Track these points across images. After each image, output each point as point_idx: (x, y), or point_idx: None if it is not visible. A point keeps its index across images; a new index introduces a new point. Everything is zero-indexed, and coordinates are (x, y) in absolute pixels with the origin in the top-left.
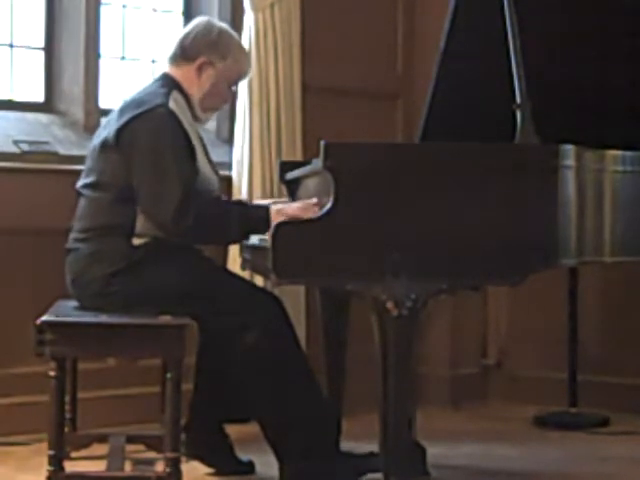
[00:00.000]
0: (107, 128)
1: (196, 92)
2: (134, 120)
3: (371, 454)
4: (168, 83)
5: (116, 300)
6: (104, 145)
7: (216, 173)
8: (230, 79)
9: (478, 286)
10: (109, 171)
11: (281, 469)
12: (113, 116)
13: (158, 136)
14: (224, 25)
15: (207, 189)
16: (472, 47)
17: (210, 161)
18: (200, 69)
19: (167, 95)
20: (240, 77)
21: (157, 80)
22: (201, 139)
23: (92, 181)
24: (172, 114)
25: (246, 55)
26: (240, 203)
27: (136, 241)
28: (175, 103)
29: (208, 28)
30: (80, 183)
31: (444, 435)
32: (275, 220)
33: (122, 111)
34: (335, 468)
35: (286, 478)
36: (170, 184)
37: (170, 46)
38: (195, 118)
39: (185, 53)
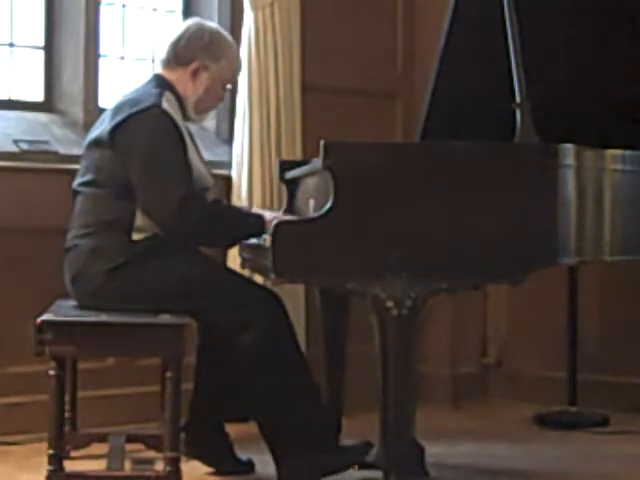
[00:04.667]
0: (101, 127)
1: (191, 95)
2: (129, 119)
3: (367, 444)
4: (161, 84)
5: (116, 297)
6: (98, 143)
7: (209, 171)
8: (224, 80)
9: (478, 285)
10: (106, 169)
11: (278, 469)
12: (107, 115)
13: (155, 136)
14: (215, 26)
15: (201, 186)
16: (472, 47)
17: (202, 159)
18: (195, 74)
19: (160, 95)
20: (234, 76)
21: (150, 81)
22: (192, 137)
23: (89, 179)
24: (167, 114)
25: (238, 54)
26: (234, 207)
27: (136, 236)
28: (168, 103)
29: (200, 31)
30: (77, 182)
31: (444, 434)
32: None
33: (116, 110)
34: (334, 468)
35: (284, 477)
36: (170, 184)
37: (162, 49)
38: (185, 117)
39: (178, 57)
